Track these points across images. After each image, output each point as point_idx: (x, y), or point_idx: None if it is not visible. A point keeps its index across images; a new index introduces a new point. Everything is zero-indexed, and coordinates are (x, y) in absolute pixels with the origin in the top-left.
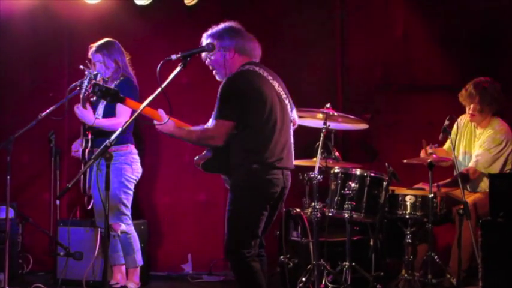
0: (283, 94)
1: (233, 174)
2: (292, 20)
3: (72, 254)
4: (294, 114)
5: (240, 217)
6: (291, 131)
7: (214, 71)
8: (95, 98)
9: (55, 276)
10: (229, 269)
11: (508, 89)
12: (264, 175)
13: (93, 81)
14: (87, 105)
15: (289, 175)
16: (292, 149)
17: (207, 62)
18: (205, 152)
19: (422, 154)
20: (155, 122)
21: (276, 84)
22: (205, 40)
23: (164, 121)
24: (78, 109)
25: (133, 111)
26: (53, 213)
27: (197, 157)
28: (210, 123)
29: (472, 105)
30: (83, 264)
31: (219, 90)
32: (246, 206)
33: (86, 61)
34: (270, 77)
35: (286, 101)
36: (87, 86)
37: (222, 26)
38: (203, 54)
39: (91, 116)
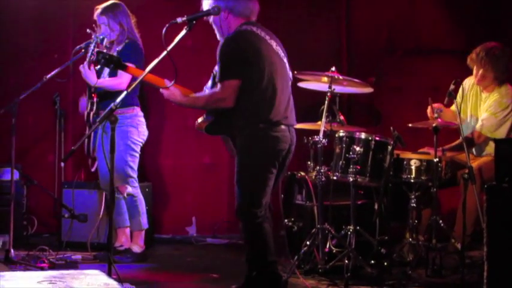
0: (281, 53)
1: (240, 135)
2: None
3: (77, 216)
4: (290, 72)
5: (250, 177)
6: (290, 88)
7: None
8: (99, 67)
9: (60, 238)
10: (233, 232)
11: None
12: (271, 133)
13: (97, 50)
14: (92, 67)
15: (295, 132)
16: (292, 106)
17: (210, 22)
18: (205, 115)
19: (429, 112)
20: (161, 90)
21: (273, 44)
22: (205, 1)
23: (168, 86)
24: (84, 68)
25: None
26: (58, 175)
27: (199, 120)
28: (209, 84)
29: (480, 71)
30: (87, 226)
31: (218, 51)
32: (255, 165)
33: (94, 25)
34: (267, 37)
35: (285, 60)
36: (93, 50)
37: None
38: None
39: (94, 77)
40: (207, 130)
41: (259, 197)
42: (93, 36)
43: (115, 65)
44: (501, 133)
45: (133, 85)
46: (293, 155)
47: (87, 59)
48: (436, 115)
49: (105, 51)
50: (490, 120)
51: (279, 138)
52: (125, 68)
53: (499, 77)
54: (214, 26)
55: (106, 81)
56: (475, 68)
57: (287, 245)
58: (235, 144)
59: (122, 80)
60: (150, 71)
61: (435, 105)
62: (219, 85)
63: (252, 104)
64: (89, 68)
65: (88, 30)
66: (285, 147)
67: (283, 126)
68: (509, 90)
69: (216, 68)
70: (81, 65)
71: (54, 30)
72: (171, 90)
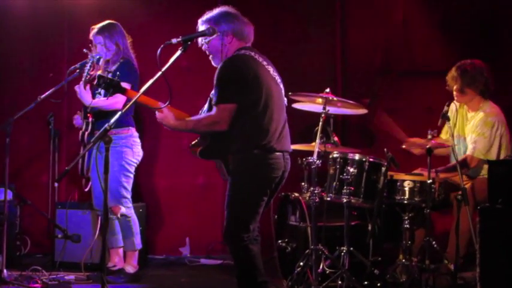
0: (277, 79)
1: (233, 160)
2: (292, 3)
3: (70, 236)
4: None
5: (240, 202)
6: (285, 115)
7: (210, 56)
8: (99, 90)
9: (53, 259)
10: (226, 253)
11: (507, 72)
12: (265, 160)
13: (98, 73)
14: (87, 87)
15: (289, 158)
16: (288, 133)
17: (203, 47)
18: (198, 138)
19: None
20: (157, 113)
21: (270, 69)
22: (201, 26)
23: (162, 107)
24: (79, 88)
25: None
26: (51, 195)
27: (192, 144)
28: (205, 108)
29: (455, 87)
30: (80, 246)
31: (216, 74)
32: (246, 192)
33: (90, 44)
34: (264, 62)
35: (281, 86)
36: (89, 70)
37: (217, 10)
38: (199, 40)
39: (89, 97)
40: (200, 154)
41: (247, 222)
42: (89, 56)
43: (114, 89)
44: (493, 153)
45: (128, 105)
46: (288, 175)
47: (83, 79)
48: (429, 136)
49: (105, 73)
50: (481, 142)
51: (273, 165)
52: (124, 92)
53: (472, 91)
54: (210, 51)
55: (101, 101)
56: (452, 86)
57: (279, 266)
58: (228, 169)
59: (117, 99)
60: (145, 92)
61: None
62: (214, 108)
63: (248, 129)
64: (84, 87)
65: (84, 50)
66: (278, 174)
67: (277, 153)
68: (493, 108)
69: (213, 91)
70: (77, 85)
71: (49, 50)
72: (165, 113)
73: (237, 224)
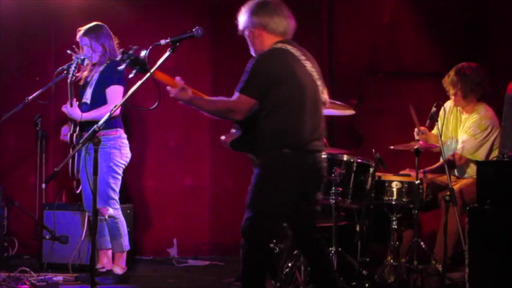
0: (315, 75)
1: (262, 157)
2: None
3: (58, 237)
4: (325, 95)
5: (263, 201)
6: (322, 113)
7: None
8: (87, 81)
9: (41, 260)
10: (214, 254)
11: (495, 74)
12: (295, 160)
13: (122, 49)
14: (74, 103)
15: (322, 158)
16: (324, 131)
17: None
18: (233, 130)
19: (414, 116)
20: (168, 88)
21: (308, 64)
22: (240, 15)
23: (179, 87)
24: (66, 108)
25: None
26: (39, 196)
27: (224, 136)
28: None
29: (454, 91)
30: (68, 247)
31: (250, 64)
32: (271, 191)
33: (74, 46)
34: (302, 57)
35: (318, 82)
36: (74, 71)
37: (253, 2)
38: (240, 29)
39: (78, 112)
40: (231, 145)
41: (269, 221)
42: (73, 57)
43: (140, 67)
44: (481, 154)
45: (117, 107)
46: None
47: (69, 88)
48: (417, 137)
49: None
50: (470, 142)
51: (302, 166)
52: (147, 71)
53: (474, 96)
54: (248, 40)
55: (92, 113)
56: (450, 90)
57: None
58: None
59: (107, 109)
60: (133, 93)
61: (421, 128)
62: (236, 95)
63: (279, 127)
64: (71, 105)
65: (68, 51)
66: (308, 175)
67: (308, 154)
68: (488, 111)
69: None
70: (64, 106)
71: (37, 52)
72: (180, 87)
73: (257, 224)
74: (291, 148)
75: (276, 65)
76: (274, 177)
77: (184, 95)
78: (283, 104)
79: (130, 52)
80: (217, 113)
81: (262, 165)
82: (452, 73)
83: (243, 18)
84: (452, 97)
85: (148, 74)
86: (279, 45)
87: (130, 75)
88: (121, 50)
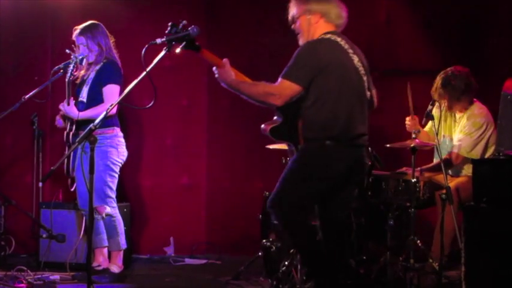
0: (361, 70)
1: (303, 147)
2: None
3: (55, 236)
4: (374, 94)
5: (294, 190)
6: (367, 109)
7: (298, 35)
8: (83, 80)
9: (38, 259)
10: (211, 252)
11: (491, 71)
12: (337, 153)
13: (171, 23)
14: (71, 101)
15: (364, 152)
16: (366, 126)
17: (292, 25)
18: (275, 117)
19: (410, 98)
20: (214, 69)
21: (355, 59)
22: (295, 1)
23: (224, 68)
24: (63, 106)
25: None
26: (36, 195)
27: (264, 124)
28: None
29: (445, 102)
30: (65, 246)
31: (297, 50)
32: (306, 181)
33: (72, 45)
34: (350, 50)
35: (364, 78)
36: (72, 70)
37: None
38: (290, 16)
39: (75, 111)
40: (271, 132)
41: (299, 200)
42: (72, 57)
43: (188, 43)
44: (477, 152)
45: (113, 105)
46: (273, 174)
47: (66, 87)
48: (414, 135)
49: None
50: (466, 141)
51: (343, 159)
52: (198, 50)
53: (464, 100)
54: (297, 29)
55: (89, 112)
56: (439, 99)
57: (264, 265)
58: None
59: (106, 106)
60: (130, 92)
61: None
62: (279, 80)
63: (323, 118)
64: (68, 103)
65: (67, 50)
66: (349, 168)
67: (349, 148)
68: (482, 109)
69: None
70: (61, 104)
71: (33, 51)
72: (226, 68)
73: (286, 196)
74: (333, 140)
75: (324, 55)
76: (313, 167)
77: (227, 76)
78: (329, 95)
79: (180, 27)
80: (256, 97)
81: (302, 154)
82: (438, 84)
83: (297, 4)
84: (444, 104)
85: (144, 73)
86: (328, 35)
87: (177, 51)
88: (170, 23)
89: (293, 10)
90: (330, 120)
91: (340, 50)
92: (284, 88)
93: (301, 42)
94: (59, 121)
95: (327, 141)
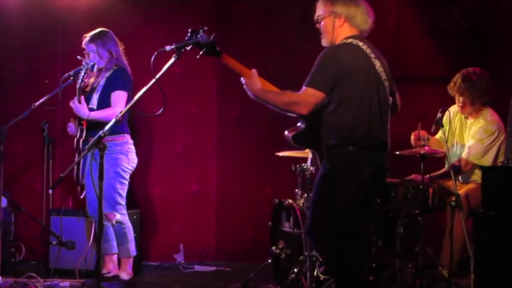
0: (383, 75)
1: (327, 155)
2: (287, 10)
3: (65, 243)
4: (397, 99)
5: (328, 201)
6: (389, 114)
7: (321, 36)
8: (94, 87)
9: (47, 265)
10: (220, 259)
11: (500, 79)
12: (361, 158)
13: (191, 29)
14: (82, 99)
15: (385, 158)
16: (388, 132)
17: (317, 25)
18: (298, 123)
19: (412, 139)
20: (242, 79)
21: (377, 64)
22: (321, 2)
23: (251, 78)
24: (74, 104)
25: (128, 101)
26: (46, 202)
27: (287, 131)
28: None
29: (461, 98)
30: (75, 253)
31: (319, 57)
32: (336, 190)
33: (84, 52)
34: (372, 55)
35: (386, 83)
36: (83, 77)
37: None
38: (315, 15)
39: (86, 109)
40: (293, 138)
41: (330, 220)
42: (83, 63)
43: (208, 49)
44: (488, 159)
45: (123, 112)
46: (281, 181)
47: (78, 87)
48: (423, 143)
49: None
50: (476, 147)
51: (367, 166)
52: (219, 55)
53: (481, 101)
54: (321, 30)
55: (99, 112)
56: (456, 96)
57: (273, 272)
58: (321, 161)
59: (115, 110)
60: (139, 100)
61: (421, 132)
62: (303, 88)
63: (345, 123)
64: (79, 99)
65: (78, 56)
66: (371, 174)
67: (372, 153)
68: (493, 116)
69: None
70: (71, 101)
71: (43, 58)
72: (253, 77)
73: (317, 222)
74: (357, 146)
75: (346, 60)
76: (340, 175)
77: (253, 86)
78: (351, 101)
79: (201, 33)
80: (282, 107)
81: (327, 163)
82: (458, 80)
83: (324, 4)
84: (459, 104)
85: (153, 81)
86: (350, 40)
87: (198, 56)
88: (190, 29)
89: (319, 10)
90: (352, 126)
91: (362, 55)
92: (308, 96)
93: (323, 42)
94: (71, 127)
95: (350, 146)
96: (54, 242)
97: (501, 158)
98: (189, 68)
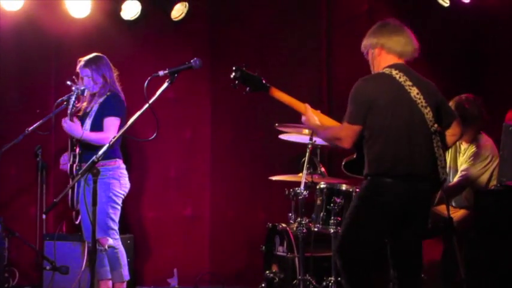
0: (420, 102)
1: (362, 183)
2: (280, 35)
3: (58, 268)
4: (454, 125)
5: (357, 227)
6: (433, 141)
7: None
8: (86, 112)
9: None
10: (214, 284)
11: (492, 103)
12: (388, 188)
13: (236, 66)
14: (75, 119)
15: (424, 187)
16: (428, 159)
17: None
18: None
19: None
20: (302, 118)
21: (413, 92)
22: (364, 39)
23: (306, 115)
24: (66, 123)
25: (121, 127)
26: (39, 227)
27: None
28: None
29: None
30: (69, 278)
31: (351, 90)
32: (362, 219)
33: (73, 76)
34: (409, 82)
35: (426, 110)
36: (74, 102)
37: (377, 23)
38: (363, 52)
39: (79, 128)
40: (344, 165)
41: (355, 248)
42: (73, 88)
43: (253, 86)
44: (480, 183)
45: (116, 137)
46: (274, 205)
47: (68, 112)
48: None
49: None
50: (469, 171)
51: (396, 193)
52: (267, 90)
53: (473, 128)
54: (369, 60)
55: (92, 134)
56: None
57: None
58: None
59: (108, 134)
60: (132, 124)
61: None
62: (343, 123)
63: (374, 155)
64: (71, 119)
65: (68, 82)
66: (405, 202)
67: (404, 181)
68: (487, 141)
69: None
70: (63, 120)
71: (37, 83)
72: (309, 115)
73: (343, 248)
74: (385, 176)
75: (370, 91)
76: (367, 204)
77: (310, 122)
78: (379, 132)
79: (244, 69)
80: (328, 142)
81: (359, 192)
82: (452, 107)
83: (365, 40)
84: None
85: (146, 105)
86: (385, 69)
87: (244, 93)
88: (235, 66)
89: (362, 44)
90: (379, 157)
91: (392, 84)
92: (346, 130)
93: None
94: (63, 161)
95: (376, 177)
96: (47, 267)
97: (493, 182)
98: (183, 93)
